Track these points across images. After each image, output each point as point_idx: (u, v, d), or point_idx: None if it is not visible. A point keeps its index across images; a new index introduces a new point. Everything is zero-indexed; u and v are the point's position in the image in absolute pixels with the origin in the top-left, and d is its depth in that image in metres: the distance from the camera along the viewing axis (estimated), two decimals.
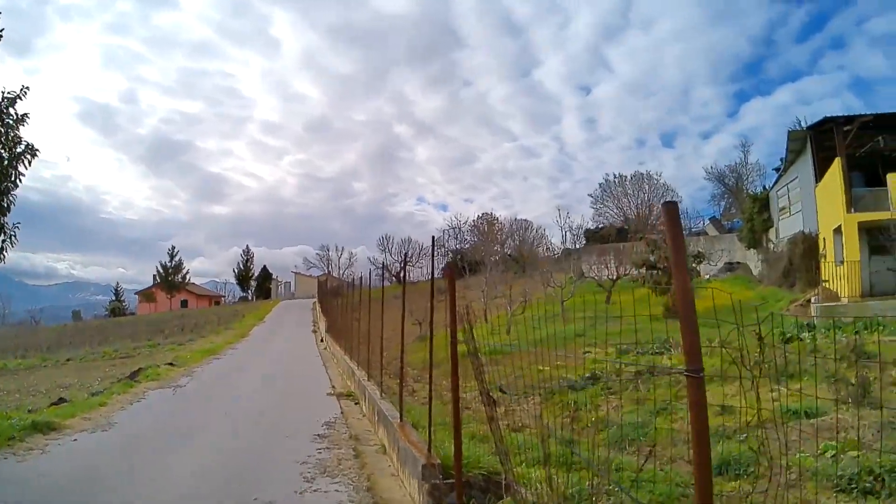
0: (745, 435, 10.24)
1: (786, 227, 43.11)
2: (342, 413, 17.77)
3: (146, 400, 20.14)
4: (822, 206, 35.90)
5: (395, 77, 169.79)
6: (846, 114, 32.29)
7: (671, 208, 3.60)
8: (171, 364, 29.82)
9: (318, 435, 14.72)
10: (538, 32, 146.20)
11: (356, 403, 19.37)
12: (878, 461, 8.80)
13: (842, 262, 31.40)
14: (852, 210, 31.47)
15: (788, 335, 20.82)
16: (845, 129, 32.01)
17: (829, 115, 32.48)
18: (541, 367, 19.04)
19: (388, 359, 18.50)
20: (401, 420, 12.65)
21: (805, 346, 18.56)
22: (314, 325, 56.42)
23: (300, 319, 63.45)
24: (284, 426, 15.87)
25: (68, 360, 45.78)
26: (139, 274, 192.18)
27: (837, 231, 32.65)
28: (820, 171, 35.62)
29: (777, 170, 51.69)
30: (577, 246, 63.82)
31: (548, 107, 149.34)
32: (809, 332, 21.99)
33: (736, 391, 12.63)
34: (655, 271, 35.91)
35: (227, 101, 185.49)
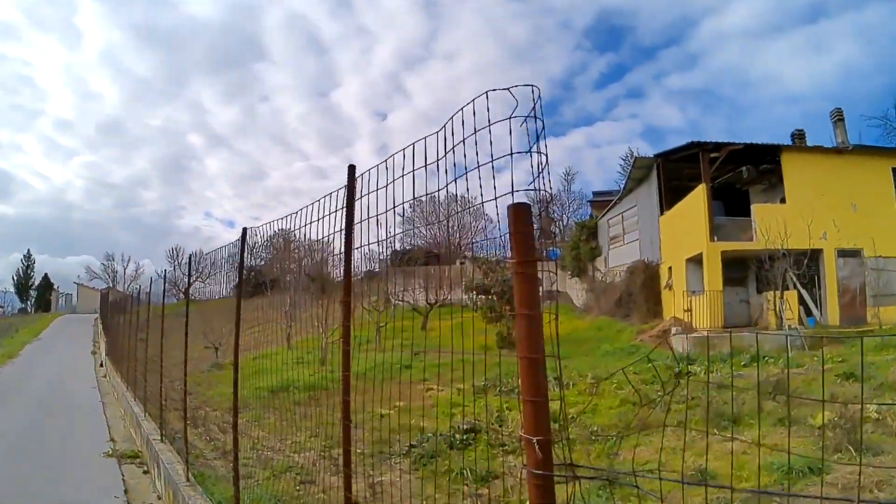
0: None
1: (617, 256, 42.31)
2: (126, 494, 11.81)
3: None
4: (668, 235, 35.05)
5: (194, 84, 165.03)
6: (714, 140, 30.73)
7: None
8: None
9: None
10: (342, 54, 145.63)
11: (146, 472, 13.27)
12: None
13: (694, 293, 29.70)
14: (715, 239, 29.22)
15: (678, 369, 18.17)
16: (712, 155, 30.13)
17: (696, 139, 31.05)
18: (382, 411, 13.97)
19: (179, 393, 13.60)
20: None
21: (703, 381, 16.11)
22: (94, 346, 49.47)
23: (79, 338, 56.16)
24: None
25: None
26: None
27: (692, 261, 30.83)
28: (667, 200, 33.81)
29: (592, 202, 50.67)
30: (379, 268, 59.93)
31: (343, 129, 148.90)
32: (689, 364, 20.56)
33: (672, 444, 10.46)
34: (489, 296, 32.27)
35: (23, 90, 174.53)
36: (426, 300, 42.06)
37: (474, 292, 34.15)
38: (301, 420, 15.01)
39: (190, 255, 12.38)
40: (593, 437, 12.08)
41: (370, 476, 10.91)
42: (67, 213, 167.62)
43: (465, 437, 12.96)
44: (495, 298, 32.47)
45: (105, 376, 32.33)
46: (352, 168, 5.47)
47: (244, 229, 7.89)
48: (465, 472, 10.65)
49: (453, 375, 16.65)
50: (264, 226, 7.37)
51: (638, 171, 37.79)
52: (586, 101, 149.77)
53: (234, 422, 8.43)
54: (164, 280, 16.57)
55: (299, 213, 6.48)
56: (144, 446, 14.14)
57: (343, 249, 5.53)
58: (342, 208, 5.31)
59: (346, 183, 5.37)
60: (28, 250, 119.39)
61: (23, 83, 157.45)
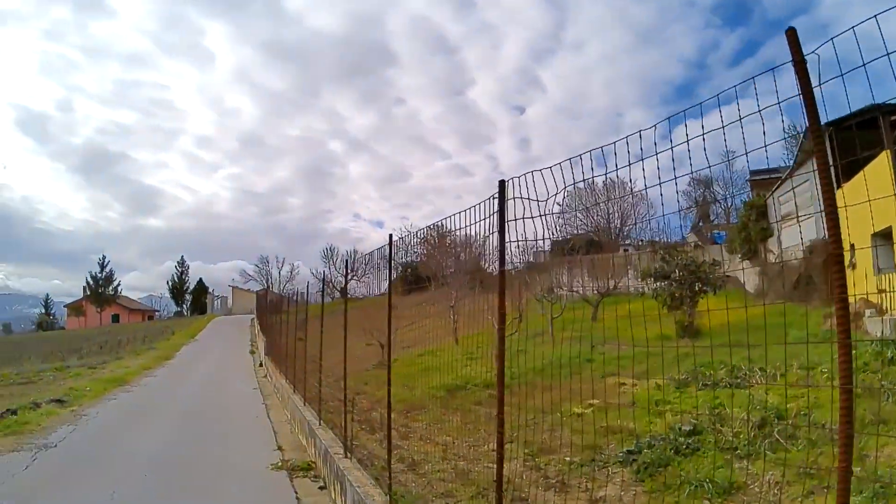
0: None
1: (791, 236, 37.97)
2: None
3: None
4: (848, 209, 30.83)
5: (328, 93, 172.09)
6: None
7: None
8: (59, 401, 21.60)
9: None
10: (470, 52, 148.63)
11: (322, 489, 11.24)
12: None
13: (882, 271, 26.26)
14: None
15: (890, 355, 15.72)
16: (892, 119, 27.07)
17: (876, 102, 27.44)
18: (576, 409, 12.29)
19: (349, 394, 11.89)
20: None
21: None
22: (252, 346, 48.95)
23: (236, 338, 55.92)
24: None
25: None
26: (74, 287, 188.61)
27: (878, 235, 27.55)
28: (843, 171, 30.79)
29: (751, 181, 48.07)
30: (535, 260, 57.95)
31: (481, 126, 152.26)
32: None
33: None
34: (669, 282, 30.06)
35: (161, 112, 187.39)
36: (596, 289, 39.81)
37: (652, 279, 32.06)
38: (488, 423, 13.37)
39: (351, 261, 10.63)
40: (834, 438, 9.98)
41: (587, 489, 9.09)
42: (216, 222, 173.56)
43: (687, 440, 10.86)
44: (674, 285, 30.24)
45: (266, 376, 31.40)
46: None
47: (501, 182, 5.79)
48: (706, 483, 8.67)
49: (643, 368, 14.83)
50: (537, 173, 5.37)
51: (809, 142, 34.29)
52: (722, 79, 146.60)
53: (498, 439, 6.21)
54: (323, 283, 15.16)
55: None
56: (320, 458, 12.25)
57: None
58: None
59: None
60: (182, 257, 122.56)
61: (160, 106, 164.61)
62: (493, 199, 5.91)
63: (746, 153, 3.97)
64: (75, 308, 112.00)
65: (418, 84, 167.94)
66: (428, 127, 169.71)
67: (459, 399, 16.26)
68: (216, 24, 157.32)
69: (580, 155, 5.12)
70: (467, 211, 6.57)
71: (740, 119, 3.71)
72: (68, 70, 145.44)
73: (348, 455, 10.58)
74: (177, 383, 29.39)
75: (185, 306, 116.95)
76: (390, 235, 9.71)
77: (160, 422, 18.77)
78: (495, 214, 5.92)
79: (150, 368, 36.11)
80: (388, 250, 10.08)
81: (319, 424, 13.52)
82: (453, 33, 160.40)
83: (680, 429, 11.18)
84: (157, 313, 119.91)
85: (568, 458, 10.34)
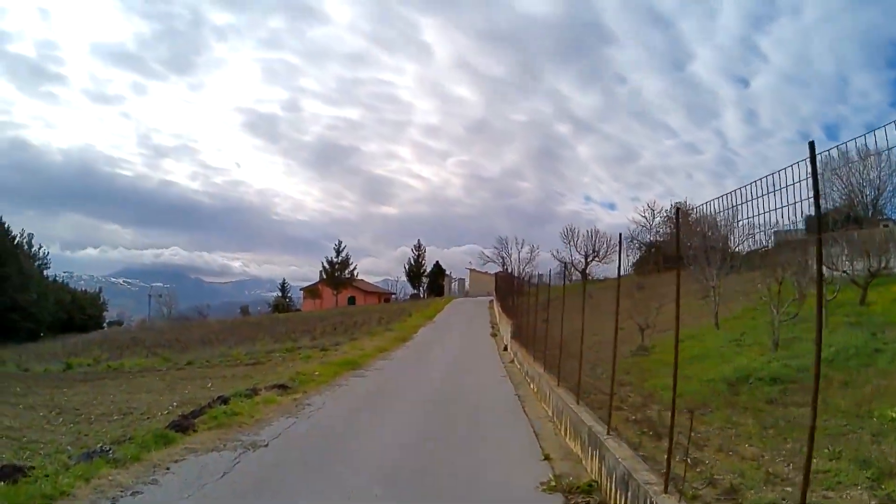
0: None
1: None
2: None
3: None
4: None
5: (549, 76, 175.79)
6: None
7: None
8: (282, 387, 20.17)
9: None
10: (686, 24, 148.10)
11: None
12: None
13: None
14: None
15: None
16: None
17: None
18: (891, 412, 10.82)
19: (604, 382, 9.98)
20: None
21: None
22: (493, 328, 47.98)
23: (476, 320, 55.08)
24: None
25: (189, 363, 38.45)
26: (310, 272, 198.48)
27: None
28: None
29: None
30: (772, 238, 54.14)
31: (705, 100, 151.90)
32: None
33: None
34: None
35: (386, 106, 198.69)
36: (868, 269, 36.17)
37: None
38: (792, 429, 10.95)
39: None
40: None
41: None
42: (448, 207, 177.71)
43: None
44: None
45: (512, 361, 29.72)
46: None
47: None
48: None
49: None
50: None
51: None
52: None
53: None
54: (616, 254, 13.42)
55: None
56: (609, 481, 9.27)
57: None
58: None
59: None
60: (418, 241, 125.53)
61: (384, 100, 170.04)
62: None
63: None
64: (311, 291, 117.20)
65: (637, 60, 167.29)
66: (652, 103, 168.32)
67: (745, 396, 13.76)
68: (429, 18, 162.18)
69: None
70: None
71: None
72: (291, 74, 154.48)
73: (671, 491, 7.37)
74: (414, 368, 28.27)
75: (421, 289, 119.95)
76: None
77: (396, 416, 16.95)
78: None
79: (386, 351, 35.40)
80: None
81: (608, 434, 10.38)
82: (666, 5, 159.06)
83: None
84: (393, 296, 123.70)
85: None
